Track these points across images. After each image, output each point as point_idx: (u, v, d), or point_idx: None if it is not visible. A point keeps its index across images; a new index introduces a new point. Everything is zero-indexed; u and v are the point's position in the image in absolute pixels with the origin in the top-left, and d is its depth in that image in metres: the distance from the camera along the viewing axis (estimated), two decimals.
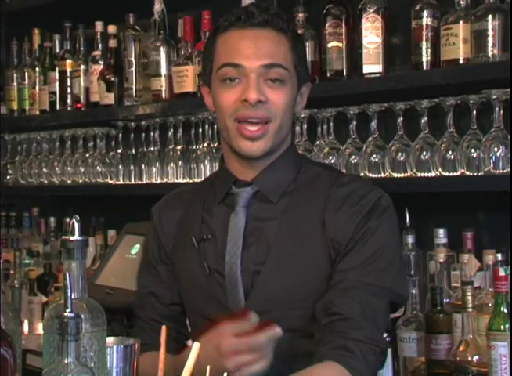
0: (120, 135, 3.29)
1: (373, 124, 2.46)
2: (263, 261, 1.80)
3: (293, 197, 1.85)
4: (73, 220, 1.35)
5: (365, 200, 1.80)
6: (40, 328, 3.14)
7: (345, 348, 1.67)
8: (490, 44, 2.13)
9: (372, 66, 2.39)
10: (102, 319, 1.34)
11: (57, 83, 3.46)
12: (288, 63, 1.81)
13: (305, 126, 2.61)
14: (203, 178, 2.89)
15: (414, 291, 2.20)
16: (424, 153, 2.34)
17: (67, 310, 1.21)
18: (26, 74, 3.65)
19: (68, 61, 3.44)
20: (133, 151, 3.22)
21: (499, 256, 2.16)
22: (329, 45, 2.47)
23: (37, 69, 3.60)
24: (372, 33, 2.38)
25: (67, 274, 1.26)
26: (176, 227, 1.94)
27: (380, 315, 1.76)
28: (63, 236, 1.37)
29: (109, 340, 1.42)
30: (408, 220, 2.38)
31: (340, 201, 1.80)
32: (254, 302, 1.78)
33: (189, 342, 1.43)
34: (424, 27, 2.28)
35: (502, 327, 1.96)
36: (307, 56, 1.95)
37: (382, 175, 2.39)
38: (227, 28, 1.83)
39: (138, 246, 2.82)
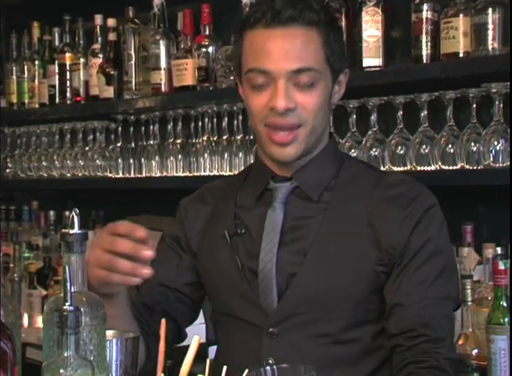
0: (120, 128, 3.29)
1: (372, 117, 2.46)
2: (300, 260, 1.70)
3: (334, 194, 1.75)
4: (73, 213, 1.34)
5: (417, 203, 1.70)
6: (39, 321, 3.14)
7: (439, 368, 1.60)
8: (490, 37, 2.13)
9: (372, 59, 2.39)
10: (101, 313, 1.34)
11: (56, 76, 3.46)
12: (319, 62, 1.69)
13: None
14: (202, 172, 2.90)
15: None
16: (424, 146, 2.34)
17: (67, 303, 1.21)
18: (25, 67, 3.64)
19: (67, 54, 3.44)
20: (133, 145, 3.22)
21: (499, 250, 2.16)
22: None
23: (36, 62, 3.59)
24: (372, 26, 2.38)
25: (67, 267, 1.26)
26: (204, 222, 1.85)
27: (453, 326, 1.71)
28: (63, 230, 1.36)
29: (109, 333, 1.42)
30: None
31: (390, 203, 1.70)
32: (288, 303, 1.70)
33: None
34: (424, 20, 2.28)
35: (501, 321, 1.96)
36: (342, 42, 1.80)
37: (382, 168, 2.39)
38: (253, 25, 1.69)
39: None
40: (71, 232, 1.34)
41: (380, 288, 1.70)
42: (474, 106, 2.26)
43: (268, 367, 1.29)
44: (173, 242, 1.88)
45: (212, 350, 2.41)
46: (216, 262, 1.80)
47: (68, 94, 3.44)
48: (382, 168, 2.38)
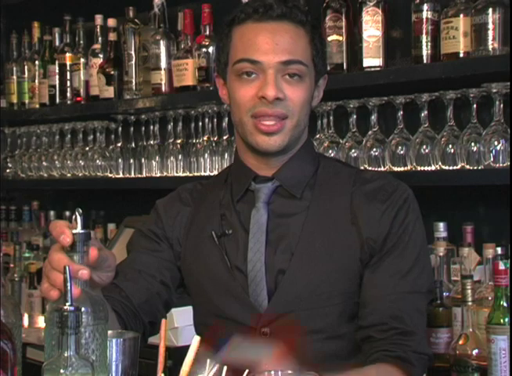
0: (120, 128, 3.29)
1: (373, 117, 2.46)
2: (288, 258, 1.74)
3: (316, 191, 1.79)
4: (76, 213, 1.34)
5: (395, 196, 1.75)
6: (40, 322, 3.14)
7: (406, 360, 1.64)
8: (490, 37, 2.13)
9: (372, 59, 2.39)
10: (104, 313, 1.34)
11: (57, 76, 3.46)
12: (307, 57, 1.75)
13: None
14: (202, 172, 2.90)
15: None
16: (424, 146, 2.34)
17: (67, 303, 1.21)
18: (25, 67, 3.64)
19: (68, 54, 3.44)
20: (133, 145, 3.22)
21: (499, 250, 2.16)
22: (330, 38, 2.46)
23: (36, 62, 3.59)
24: (372, 26, 2.38)
25: (67, 267, 1.26)
26: (186, 223, 1.87)
27: (425, 320, 1.74)
28: None
29: (109, 333, 1.42)
30: None
31: (369, 197, 1.75)
32: (278, 302, 1.72)
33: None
34: (424, 20, 2.28)
35: (501, 321, 1.96)
36: (324, 47, 1.88)
37: (382, 168, 2.39)
38: (244, 20, 1.77)
39: None
40: (74, 232, 1.34)
41: None
42: (475, 106, 2.26)
43: (272, 372, 1.29)
44: (152, 234, 1.87)
45: None
46: (204, 264, 1.81)
47: (68, 94, 3.44)
48: (382, 169, 2.39)
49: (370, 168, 2.40)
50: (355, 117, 2.51)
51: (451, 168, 2.26)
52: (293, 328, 1.70)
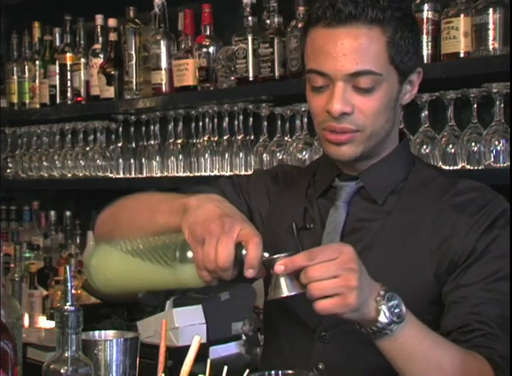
0: (121, 128, 3.29)
1: None
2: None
3: (401, 198, 1.68)
4: None
5: (487, 209, 1.64)
6: (40, 321, 3.14)
7: (493, 361, 1.53)
8: (491, 37, 2.13)
9: None
10: None
11: (57, 76, 3.46)
12: (381, 64, 1.60)
13: (306, 120, 2.61)
14: (203, 172, 2.89)
15: None
16: (425, 146, 2.34)
17: (67, 303, 1.22)
18: (26, 67, 3.64)
19: (68, 54, 3.44)
20: (133, 145, 3.22)
21: None
22: None
23: (37, 62, 3.59)
24: None
25: (67, 267, 1.26)
26: (272, 201, 1.80)
27: (509, 327, 1.61)
28: None
29: (110, 333, 1.42)
30: None
31: (458, 210, 1.64)
32: None
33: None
34: (425, 20, 2.28)
35: None
36: (416, 40, 1.67)
37: None
38: (315, 23, 1.62)
39: None
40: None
41: (439, 299, 1.63)
42: (475, 106, 2.26)
43: (273, 372, 1.28)
44: (238, 187, 1.84)
45: (213, 350, 2.41)
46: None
47: (69, 94, 3.44)
48: None
49: None
50: None
51: (451, 167, 2.26)
52: (354, 337, 1.55)
